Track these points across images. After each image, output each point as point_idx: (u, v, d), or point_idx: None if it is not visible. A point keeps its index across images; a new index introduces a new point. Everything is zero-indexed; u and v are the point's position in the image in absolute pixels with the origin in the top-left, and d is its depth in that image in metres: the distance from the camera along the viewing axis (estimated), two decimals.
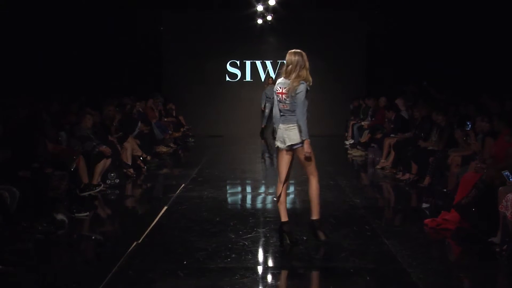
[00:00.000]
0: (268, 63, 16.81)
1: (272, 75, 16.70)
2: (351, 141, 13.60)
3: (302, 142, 5.35)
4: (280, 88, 5.39)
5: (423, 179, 8.41)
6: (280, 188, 5.56)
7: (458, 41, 12.19)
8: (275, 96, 5.44)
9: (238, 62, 16.91)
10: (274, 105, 5.53)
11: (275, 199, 6.49)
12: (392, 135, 10.61)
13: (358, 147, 12.55)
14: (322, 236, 5.54)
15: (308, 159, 5.41)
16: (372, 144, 11.89)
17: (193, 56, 16.55)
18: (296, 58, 5.37)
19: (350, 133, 14.06)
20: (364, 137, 12.43)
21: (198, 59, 16.55)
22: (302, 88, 5.27)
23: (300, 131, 5.31)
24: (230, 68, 16.94)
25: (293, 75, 5.32)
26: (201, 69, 16.58)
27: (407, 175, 8.99)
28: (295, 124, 5.32)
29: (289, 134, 5.38)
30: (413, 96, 12.04)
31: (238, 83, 16.90)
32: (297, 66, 5.33)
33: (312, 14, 16.29)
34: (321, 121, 14.95)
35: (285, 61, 5.45)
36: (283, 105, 5.38)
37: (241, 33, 16.44)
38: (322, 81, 9.40)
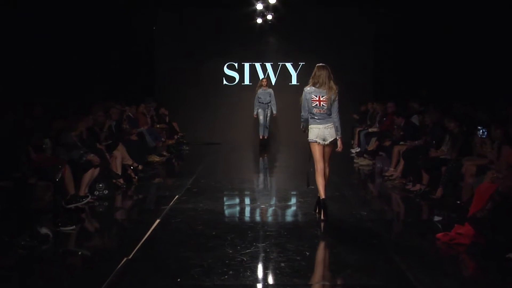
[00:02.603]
0: (268, 65, 16.83)
1: (273, 78, 16.72)
2: (358, 149, 13.59)
3: (336, 138, 7.29)
4: (316, 96, 7.21)
5: (435, 190, 8.41)
6: (320, 176, 7.24)
7: (471, 41, 12.21)
8: (309, 103, 7.20)
9: (236, 64, 16.93)
10: (303, 108, 7.26)
11: (311, 187, 7.83)
12: (401, 143, 10.61)
13: (365, 155, 12.55)
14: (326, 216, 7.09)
15: (333, 151, 7.37)
16: (380, 152, 11.89)
17: (188, 57, 16.58)
18: (325, 71, 7.24)
19: (356, 141, 14.05)
20: (372, 145, 12.43)
21: (193, 61, 16.57)
22: (337, 96, 7.26)
23: (337, 130, 7.28)
24: (227, 71, 16.96)
25: (327, 86, 7.19)
26: (196, 71, 16.60)
27: (417, 186, 8.98)
28: (332, 124, 7.24)
29: (330, 131, 7.27)
30: (424, 101, 12.06)
31: (236, 87, 16.92)
32: (327, 78, 7.22)
33: (314, 13, 16.35)
34: None
35: (313, 73, 7.27)
36: (319, 109, 7.21)
37: (240, 33, 16.48)
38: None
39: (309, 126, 7.31)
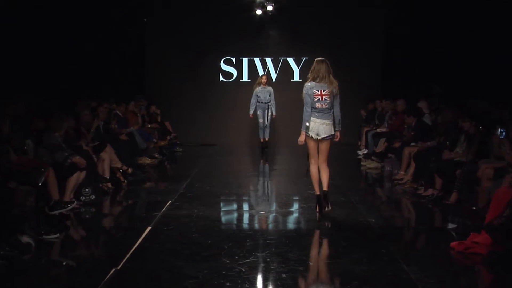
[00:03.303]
0: (268, 60, 16.84)
1: (273, 74, 16.72)
2: (365, 151, 13.60)
3: (332, 135, 7.70)
4: (318, 90, 7.60)
5: (449, 195, 8.41)
6: (314, 168, 7.75)
7: (488, 32, 12.20)
8: (311, 98, 7.58)
9: (233, 60, 16.95)
10: (307, 104, 7.61)
11: (305, 178, 8.22)
12: (412, 144, 10.61)
13: (373, 157, 12.55)
14: (329, 206, 7.63)
15: (329, 148, 7.75)
16: (389, 154, 11.89)
17: (182, 51, 16.59)
18: (324, 65, 7.65)
19: (363, 142, 14.06)
20: (380, 146, 12.43)
21: (187, 56, 16.58)
22: (338, 90, 7.70)
23: (338, 123, 7.73)
24: (224, 66, 16.97)
25: (327, 80, 7.60)
26: (190, 67, 16.61)
27: (430, 191, 8.98)
28: (331, 121, 7.65)
29: (325, 128, 7.64)
30: (438, 99, 12.06)
31: (233, 84, 16.93)
32: (327, 72, 7.62)
33: (319, 4, 16.35)
34: None
35: (313, 68, 7.70)
36: (322, 104, 7.60)
37: (237, 25, 16.49)
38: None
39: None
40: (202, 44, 16.57)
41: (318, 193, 7.77)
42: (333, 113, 7.71)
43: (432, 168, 9.02)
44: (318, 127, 7.66)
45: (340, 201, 8.66)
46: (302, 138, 7.77)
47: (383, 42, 16.40)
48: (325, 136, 7.67)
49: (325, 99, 7.62)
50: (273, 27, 16.73)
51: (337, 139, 7.86)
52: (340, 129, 7.81)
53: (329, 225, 7.31)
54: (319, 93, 7.62)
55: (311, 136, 7.70)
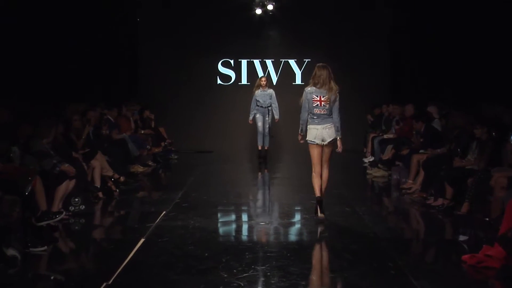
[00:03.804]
0: (268, 62, 16.87)
1: (274, 77, 16.73)
2: (371, 158, 13.59)
3: (335, 138, 8.07)
4: (317, 96, 8.01)
5: (460, 205, 8.40)
6: (317, 177, 8.08)
7: (501, 32, 12.21)
8: (310, 103, 8.00)
9: (232, 62, 16.96)
10: (303, 108, 8.06)
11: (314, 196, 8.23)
12: (421, 151, 10.61)
13: (379, 165, 12.55)
14: (323, 215, 7.99)
15: (332, 151, 8.15)
16: (397, 162, 11.89)
17: (177, 53, 16.60)
18: (325, 71, 8.04)
19: (369, 149, 14.05)
20: (387, 153, 12.43)
21: (182, 58, 16.59)
22: (338, 97, 8.07)
23: (337, 131, 8.05)
24: (222, 69, 16.99)
25: (327, 86, 7.99)
26: (186, 69, 16.63)
27: (440, 201, 8.98)
28: (332, 124, 8.03)
29: (328, 132, 8.04)
30: (448, 103, 12.07)
31: (232, 87, 16.94)
32: (328, 78, 8.02)
33: (322, 3, 16.39)
34: None
35: (314, 73, 8.12)
36: (320, 110, 8.02)
37: (236, 25, 16.51)
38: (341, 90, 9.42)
39: (308, 126, 8.14)
40: (198, 45, 16.58)
41: (318, 194, 8.10)
42: (332, 118, 8.07)
43: (442, 176, 9.01)
44: (322, 132, 8.04)
45: (345, 211, 8.66)
46: (299, 137, 8.36)
47: (390, 43, 16.42)
48: (330, 140, 8.06)
49: (323, 105, 8.02)
50: (274, 27, 16.75)
51: (339, 149, 8.17)
52: (341, 136, 8.13)
53: (333, 237, 7.30)
54: (318, 98, 8.03)
55: (316, 144, 8.06)
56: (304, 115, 8.13)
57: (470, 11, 12.96)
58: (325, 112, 8.04)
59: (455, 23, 13.58)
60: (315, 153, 8.13)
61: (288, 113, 14.91)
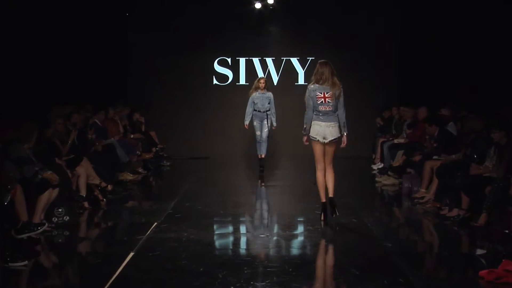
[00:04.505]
0: (269, 60, 16.89)
1: (275, 76, 16.75)
2: (380, 165, 13.60)
3: (339, 137, 8.56)
4: (321, 93, 8.50)
5: (477, 216, 8.39)
6: (321, 174, 8.61)
7: None
8: (314, 101, 8.49)
9: (229, 60, 16.99)
10: (308, 106, 8.53)
11: (314, 184, 8.80)
12: (435, 157, 10.62)
13: (389, 173, 12.55)
14: (337, 213, 8.49)
15: (335, 151, 8.63)
16: (408, 169, 11.90)
17: (169, 52, 16.63)
18: (328, 67, 8.54)
19: (378, 155, 14.06)
20: (398, 160, 12.44)
21: (175, 56, 16.62)
22: (342, 92, 8.57)
23: (343, 127, 8.56)
24: (218, 68, 17.01)
25: (330, 82, 8.47)
26: (179, 69, 16.65)
27: (455, 211, 8.97)
28: (336, 123, 8.53)
29: (331, 131, 8.53)
30: (463, 105, 12.07)
31: (229, 88, 16.96)
32: (330, 74, 8.50)
33: None
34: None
35: (316, 70, 8.62)
36: (325, 106, 8.50)
37: (234, 21, 16.53)
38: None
39: (312, 122, 8.62)
40: (193, 42, 16.61)
41: (324, 200, 8.58)
42: (337, 115, 8.59)
43: (458, 185, 9.01)
44: (324, 130, 8.55)
45: (352, 223, 8.65)
46: (304, 139, 8.77)
47: (400, 42, 16.43)
48: (332, 139, 8.56)
49: (328, 101, 8.51)
50: (275, 22, 16.79)
51: (344, 144, 8.68)
52: (347, 132, 8.63)
53: (339, 251, 7.30)
54: (322, 95, 8.52)
55: (318, 140, 8.58)
56: (309, 113, 8.60)
57: (485, 7, 12.99)
58: (330, 109, 8.53)
59: (469, 19, 13.61)
60: (317, 149, 8.64)
61: (290, 116, 14.93)
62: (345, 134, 8.63)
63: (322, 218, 8.58)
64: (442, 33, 14.60)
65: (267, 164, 13.91)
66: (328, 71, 8.55)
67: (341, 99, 8.58)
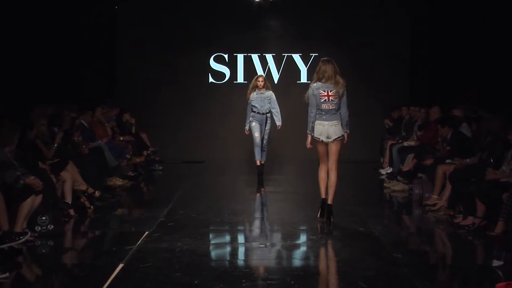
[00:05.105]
0: (269, 57, 16.91)
1: (275, 74, 16.75)
2: (389, 170, 13.61)
3: (343, 135, 9.02)
4: (324, 91, 8.94)
5: (494, 224, 8.39)
6: (323, 171, 9.13)
7: None
8: (317, 99, 8.91)
9: (226, 56, 17.02)
10: (311, 105, 8.96)
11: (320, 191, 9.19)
12: (448, 161, 10.62)
13: (398, 178, 12.55)
14: (331, 220, 8.95)
15: (339, 150, 9.05)
16: (419, 174, 11.90)
17: (161, 48, 16.65)
18: (330, 65, 8.95)
19: (387, 158, 14.07)
20: (408, 164, 12.44)
21: (168, 52, 16.65)
22: (345, 90, 9.02)
23: (345, 125, 9.02)
24: (214, 65, 17.02)
25: (333, 80, 8.90)
26: (172, 66, 16.68)
27: (470, 219, 8.97)
28: (339, 121, 8.97)
29: (334, 129, 8.96)
30: (478, 105, 12.08)
31: (226, 86, 16.99)
32: (333, 72, 8.91)
33: None
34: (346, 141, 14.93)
35: (318, 68, 9.03)
36: (328, 105, 8.94)
37: (231, 14, 16.54)
38: (347, 85, 9.31)
39: (315, 121, 9.04)
40: (187, 37, 16.64)
41: (323, 196, 9.13)
42: (340, 114, 9.03)
43: (473, 191, 9.00)
44: (328, 129, 8.98)
45: (359, 231, 8.65)
46: (309, 141, 9.17)
47: (410, 36, 16.44)
48: (336, 137, 8.99)
49: (331, 100, 8.96)
50: (275, 16, 16.81)
51: (345, 142, 9.12)
52: (348, 131, 9.12)
53: (345, 262, 7.29)
54: (325, 93, 8.96)
55: (322, 141, 9.01)
56: (312, 112, 9.03)
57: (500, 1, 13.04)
58: (333, 107, 8.97)
59: (482, 14, 13.62)
60: (320, 149, 9.11)
61: (291, 117, 14.92)
62: (346, 133, 9.10)
63: (319, 214, 9.21)
64: (455, 28, 14.60)
65: (266, 169, 13.48)
66: (331, 69, 8.96)
67: (344, 97, 9.03)
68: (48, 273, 7.32)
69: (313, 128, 9.07)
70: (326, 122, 9.00)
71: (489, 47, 13.49)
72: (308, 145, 9.22)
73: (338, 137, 9.03)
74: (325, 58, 9.21)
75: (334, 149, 9.05)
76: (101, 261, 7.52)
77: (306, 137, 9.21)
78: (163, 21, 16.58)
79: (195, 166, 15.63)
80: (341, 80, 8.99)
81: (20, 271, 7.18)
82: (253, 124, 13.01)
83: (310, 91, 9.08)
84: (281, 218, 10.08)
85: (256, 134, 13.00)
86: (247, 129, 13.17)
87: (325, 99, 8.98)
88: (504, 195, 8.37)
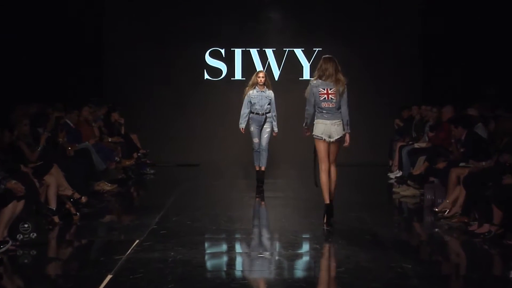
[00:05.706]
0: (269, 52, 16.92)
1: (276, 70, 16.76)
2: (399, 173, 13.62)
3: (344, 135, 9.36)
4: (324, 89, 9.28)
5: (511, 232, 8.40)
6: (325, 175, 9.39)
7: None
8: (317, 97, 9.26)
9: (223, 51, 17.03)
10: (309, 102, 9.35)
11: (317, 186, 9.61)
12: (462, 164, 10.63)
13: (409, 182, 12.56)
14: (332, 216, 9.36)
15: (339, 149, 9.44)
16: (431, 178, 11.91)
17: (153, 42, 16.67)
18: (332, 63, 9.30)
19: (396, 161, 14.07)
20: (419, 167, 12.45)
21: (160, 47, 16.65)
22: (346, 88, 9.34)
23: (346, 125, 9.34)
24: (210, 60, 17.03)
25: (334, 78, 9.24)
26: (165, 62, 16.69)
27: (485, 227, 8.97)
28: (340, 120, 9.32)
29: (336, 128, 9.32)
30: (494, 104, 12.09)
31: (223, 83, 17.00)
32: (334, 70, 9.25)
33: None
34: (352, 142, 14.85)
35: (319, 66, 9.39)
36: (328, 103, 9.28)
37: (228, 7, 16.56)
38: (353, 82, 9.35)
39: (315, 120, 9.45)
40: (180, 30, 16.65)
41: (327, 202, 9.37)
42: (341, 113, 9.38)
43: (489, 196, 9.01)
44: (330, 128, 9.35)
45: (365, 240, 8.66)
46: (306, 133, 9.77)
47: (421, 31, 16.46)
48: (338, 137, 9.37)
49: (331, 98, 9.32)
50: (276, 8, 16.83)
51: (347, 144, 9.50)
52: (349, 131, 9.44)
53: (351, 273, 7.30)
54: (325, 91, 9.32)
55: (324, 140, 9.36)
56: (310, 109, 9.47)
57: None
58: (333, 106, 9.34)
59: (501, 4, 13.65)
60: (322, 148, 9.44)
61: (293, 116, 14.85)
62: (348, 133, 9.44)
63: (325, 220, 9.39)
64: (469, 23, 14.63)
65: (266, 172, 13.29)
66: (332, 67, 9.31)
67: (345, 96, 9.37)
68: (30, 285, 7.32)
69: (308, 123, 9.60)
70: (328, 121, 9.35)
71: (508, 42, 13.50)
72: (306, 134, 9.80)
73: (340, 137, 9.39)
74: (326, 55, 9.54)
75: (334, 149, 9.45)
76: (88, 272, 7.52)
77: (303, 130, 9.86)
78: (154, 14, 16.59)
79: (190, 170, 15.64)
80: (342, 78, 9.32)
81: (0, 283, 7.19)
82: (252, 128, 12.89)
83: (309, 88, 9.46)
84: (282, 226, 10.09)
85: (255, 140, 12.92)
86: (242, 128, 12.99)
87: (325, 97, 9.33)
88: None
